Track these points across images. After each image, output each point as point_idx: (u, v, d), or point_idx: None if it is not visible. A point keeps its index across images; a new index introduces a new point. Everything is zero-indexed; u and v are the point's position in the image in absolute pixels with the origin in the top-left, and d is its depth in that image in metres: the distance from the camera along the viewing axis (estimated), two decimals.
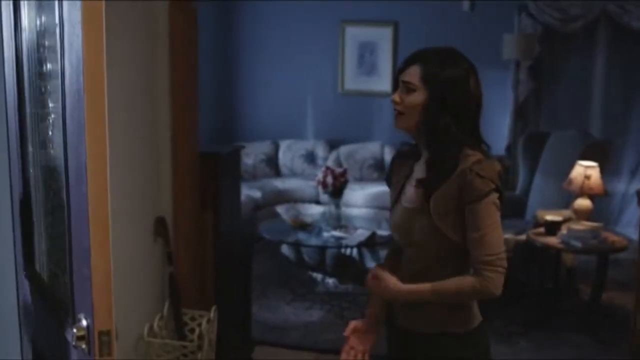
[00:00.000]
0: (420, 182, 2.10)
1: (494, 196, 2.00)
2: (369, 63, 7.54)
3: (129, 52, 3.22)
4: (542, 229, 4.92)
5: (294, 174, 7.73)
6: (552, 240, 4.78)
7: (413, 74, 2.06)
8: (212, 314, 3.52)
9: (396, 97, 2.10)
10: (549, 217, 4.92)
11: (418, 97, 2.05)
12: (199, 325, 3.49)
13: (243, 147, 4.26)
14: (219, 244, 3.75)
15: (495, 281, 2.01)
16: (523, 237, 5.05)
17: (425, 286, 2.08)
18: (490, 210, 2.00)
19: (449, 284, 2.06)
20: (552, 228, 4.83)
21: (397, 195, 2.21)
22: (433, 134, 2.06)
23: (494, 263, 2.00)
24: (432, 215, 2.05)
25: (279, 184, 7.43)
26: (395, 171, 2.27)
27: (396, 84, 2.14)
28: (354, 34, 7.61)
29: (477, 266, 2.02)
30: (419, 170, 2.15)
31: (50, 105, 2.50)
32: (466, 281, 2.04)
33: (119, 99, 3.13)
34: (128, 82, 3.24)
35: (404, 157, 2.25)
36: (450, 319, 2.12)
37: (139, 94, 3.34)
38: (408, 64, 2.10)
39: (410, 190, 2.16)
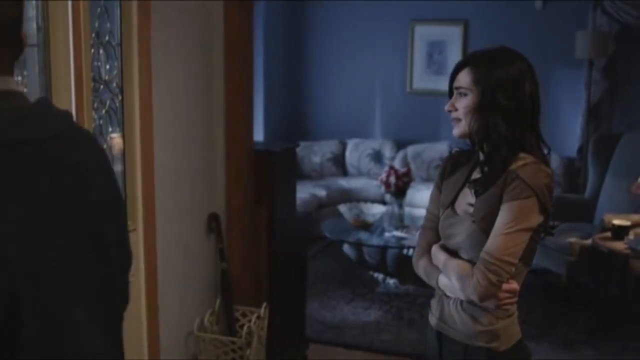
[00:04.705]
0: (471, 183, 2.05)
1: (529, 203, 1.90)
2: (437, 62, 7.44)
3: (184, 51, 3.27)
4: (608, 234, 4.76)
5: (360, 173, 7.70)
6: (619, 246, 4.60)
7: (464, 79, 2.02)
8: (262, 311, 3.54)
9: (448, 104, 2.06)
10: (616, 221, 4.74)
11: (470, 101, 2.00)
12: (250, 321, 3.52)
13: (298, 145, 4.27)
14: (273, 241, 3.77)
15: (480, 286, 1.91)
16: (588, 241, 4.90)
17: (444, 255, 2.07)
18: (517, 215, 1.90)
19: (458, 264, 2.01)
20: (619, 233, 4.65)
21: (449, 201, 2.13)
22: (484, 135, 2.00)
23: (489, 267, 1.90)
24: (474, 218, 1.98)
25: (345, 183, 7.42)
26: (447, 175, 2.18)
27: (451, 92, 2.09)
28: (423, 33, 7.53)
29: (478, 262, 1.95)
30: (476, 176, 2.09)
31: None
32: (465, 269, 1.98)
33: (174, 98, 3.19)
34: (184, 81, 3.29)
35: (460, 161, 2.17)
36: (485, 333, 2.02)
37: (194, 93, 3.39)
38: (459, 69, 2.06)
39: (464, 197, 2.09)
